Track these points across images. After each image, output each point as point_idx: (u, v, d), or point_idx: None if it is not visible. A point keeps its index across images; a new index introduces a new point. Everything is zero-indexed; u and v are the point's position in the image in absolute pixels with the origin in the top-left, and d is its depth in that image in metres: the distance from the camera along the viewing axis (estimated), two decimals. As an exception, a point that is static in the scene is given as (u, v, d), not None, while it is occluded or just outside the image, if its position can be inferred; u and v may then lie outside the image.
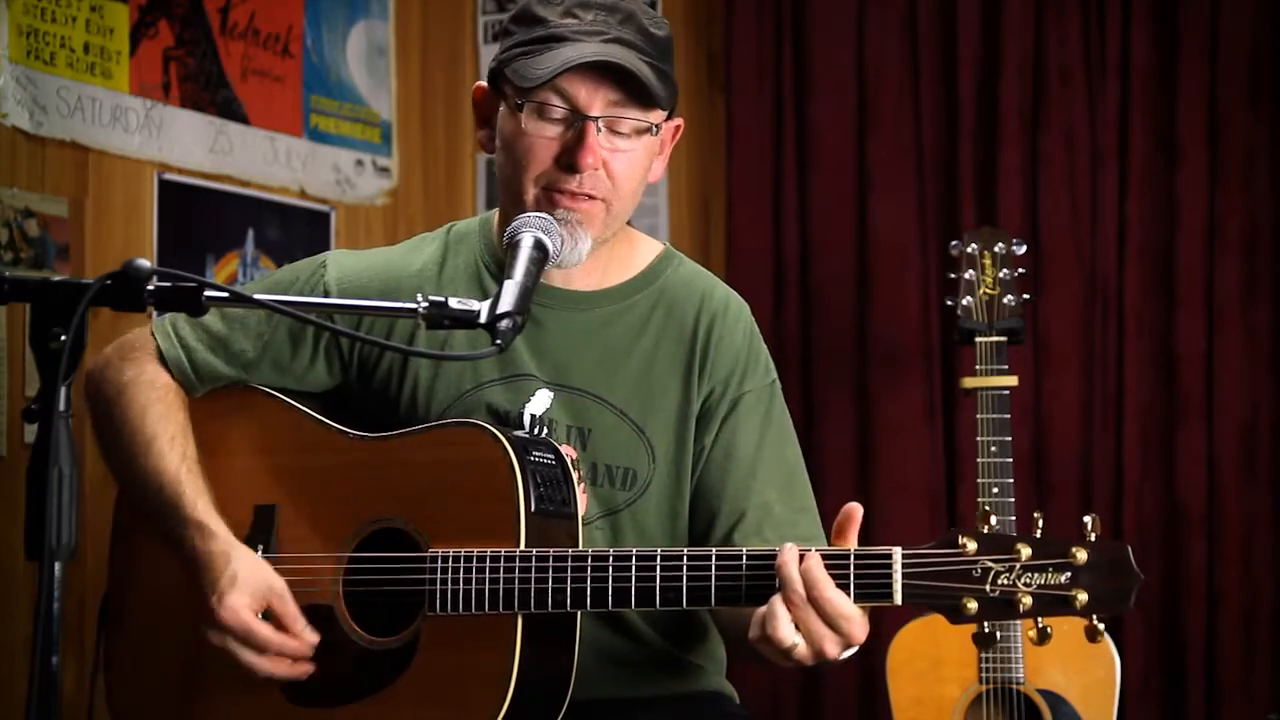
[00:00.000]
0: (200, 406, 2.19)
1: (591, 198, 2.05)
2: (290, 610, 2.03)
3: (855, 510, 1.88)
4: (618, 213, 2.10)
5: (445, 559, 1.98)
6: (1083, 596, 1.73)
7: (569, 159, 2.02)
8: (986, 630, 1.82)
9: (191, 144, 3.53)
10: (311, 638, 2.03)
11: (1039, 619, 1.77)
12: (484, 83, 2.15)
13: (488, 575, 1.96)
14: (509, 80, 2.05)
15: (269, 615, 2.04)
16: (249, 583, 2.03)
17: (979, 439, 3.21)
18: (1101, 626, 1.77)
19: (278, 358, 2.20)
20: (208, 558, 2.06)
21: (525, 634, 1.96)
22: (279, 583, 2.05)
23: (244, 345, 2.19)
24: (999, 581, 1.75)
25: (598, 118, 2.02)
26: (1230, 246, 3.77)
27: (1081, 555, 1.73)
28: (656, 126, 2.08)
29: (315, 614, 2.05)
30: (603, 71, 2.01)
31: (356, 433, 2.12)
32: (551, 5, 2.05)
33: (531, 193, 2.05)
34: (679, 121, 2.16)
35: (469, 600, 1.97)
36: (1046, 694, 3.15)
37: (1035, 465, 3.87)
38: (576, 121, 2.02)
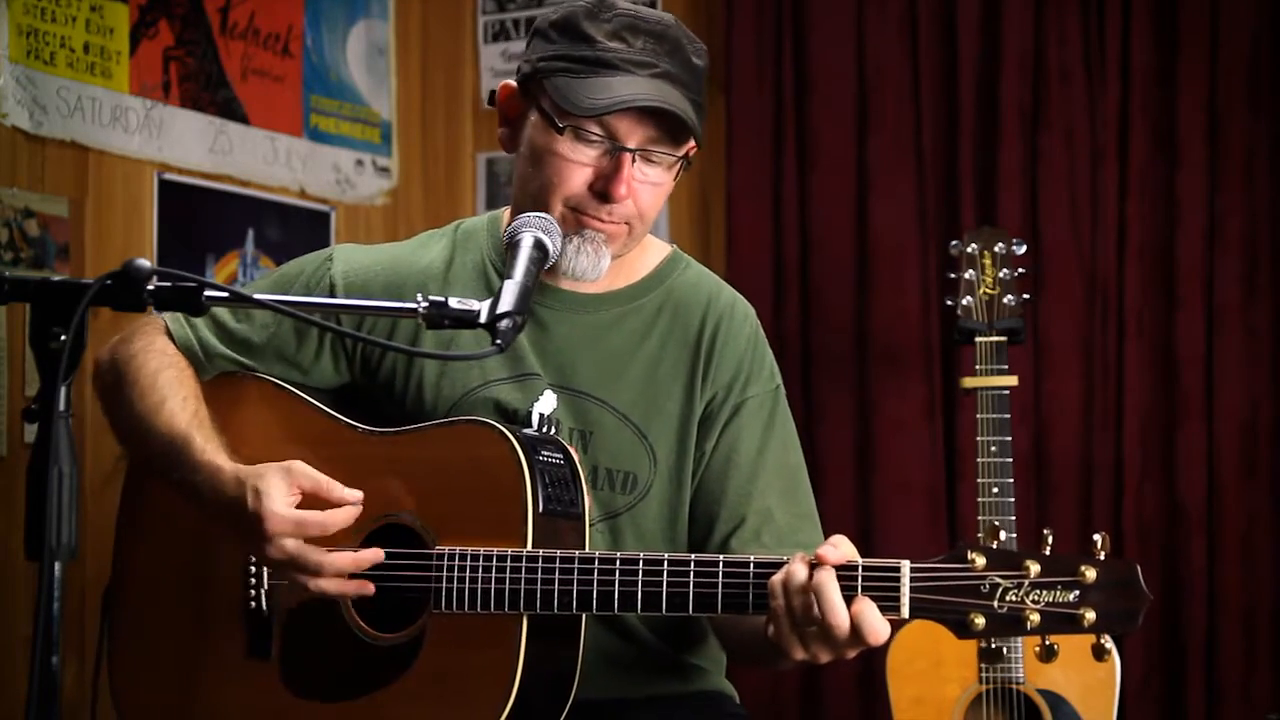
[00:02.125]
0: (211, 397, 2.19)
1: (618, 222, 2.07)
2: (318, 479, 1.98)
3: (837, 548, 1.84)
4: (639, 233, 2.13)
5: (452, 557, 1.98)
6: (1090, 615, 1.72)
7: (603, 188, 2.03)
8: (993, 646, 1.81)
9: (191, 144, 3.53)
10: (354, 494, 1.99)
11: (1046, 637, 1.76)
12: (512, 82, 2.13)
13: (494, 575, 1.96)
14: (549, 95, 2.04)
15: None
16: (274, 486, 1.97)
17: (979, 439, 3.21)
18: (1109, 645, 1.76)
19: (281, 349, 2.20)
20: (225, 496, 2.01)
21: (530, 633, 1.96)
22: (295, 464, 1.99)
23: (250, 335, 2.20)
24: (1007, 598, 1.74)
25: (634, 150, 2.03)
26: (1230, 246, 3.77)
27: (1090, 574, 1.72)
28: (688, 160, 2.09)
29: (320, 608, 2.05)
30: (649, 111, 2.01)
31: (366, 427, 2.12)
32: (599, 22, 2.03)
33: (559, 210, 2.05)
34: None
35: (474, 599, 1.97)
36: (1046, 694, 3.15)
37: (1035, 465, 3.87)
38: (614, 152, 2.02)
